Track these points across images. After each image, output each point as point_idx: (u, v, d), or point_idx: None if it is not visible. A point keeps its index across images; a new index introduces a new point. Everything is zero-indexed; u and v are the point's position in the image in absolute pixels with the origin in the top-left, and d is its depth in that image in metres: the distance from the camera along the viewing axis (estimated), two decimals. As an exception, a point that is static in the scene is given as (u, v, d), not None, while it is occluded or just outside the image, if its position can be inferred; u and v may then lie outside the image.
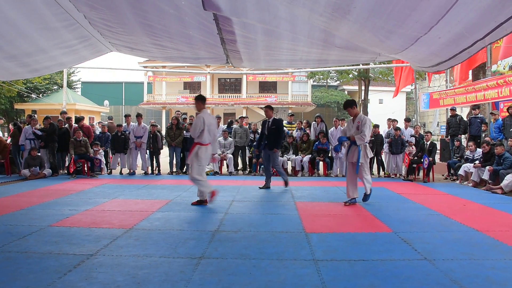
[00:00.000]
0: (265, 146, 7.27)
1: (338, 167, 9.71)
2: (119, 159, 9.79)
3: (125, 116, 10.36)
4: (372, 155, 5.87)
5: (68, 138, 9.27)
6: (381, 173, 9.94)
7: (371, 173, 9.67)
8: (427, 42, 3.73)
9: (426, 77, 15.47)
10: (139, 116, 9.86)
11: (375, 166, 9.91)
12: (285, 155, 9.70)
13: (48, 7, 4.49)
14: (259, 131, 8.47)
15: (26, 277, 2.82)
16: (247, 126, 10.22)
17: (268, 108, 7.38)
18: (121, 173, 9.78)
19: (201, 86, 33.78)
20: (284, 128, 10.69)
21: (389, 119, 10.44)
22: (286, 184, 7.33)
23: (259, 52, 5.92)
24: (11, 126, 10.75)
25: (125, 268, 3.03)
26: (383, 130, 10.35)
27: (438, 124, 22.45)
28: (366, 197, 5.76)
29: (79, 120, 9.97)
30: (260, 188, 7.25)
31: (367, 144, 5.67)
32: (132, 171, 9.63)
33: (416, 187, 7.90)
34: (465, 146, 9.45)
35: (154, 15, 4.59)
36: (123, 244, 3.67)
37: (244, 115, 10.67)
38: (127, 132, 9.76)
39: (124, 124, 10.17)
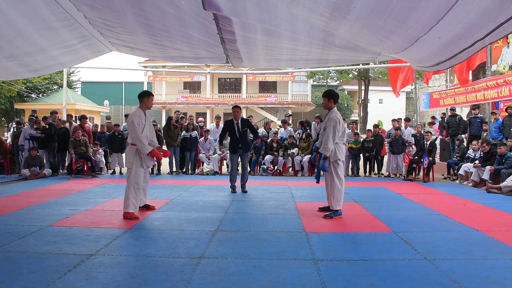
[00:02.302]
0: (238, 149, 6.77)
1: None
2: (117, 158, 9.78)
3: (125, 116, 10.35)
4: (343, 158, 4.89)
5: (68, 138, 9.27)
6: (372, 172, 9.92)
7: (373, 173, 9.69)
8: (427, 42, 3.73)
9: (424, 76, 15.38)
10: None
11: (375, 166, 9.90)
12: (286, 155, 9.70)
13: (48, 6, 4.49)
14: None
15: (26, 277, 2.82)
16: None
17: (238, 109, 6.86)
18: (120, 172, 9.78)
19: (201, 86, 33.79)
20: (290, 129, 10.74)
21: (393, 120, 10.45)
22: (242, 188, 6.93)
23: (259, 51, 5.92)
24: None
25: (125, 268, 3.03)
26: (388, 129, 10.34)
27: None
28: (330, 212, 4.91)
29: (82, 118, 9.94)
30: (232, 192, 6.80)
31: (339, 145, 4.85)
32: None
33: (416, 187, 7.90)
34: (465, 145, 9.44)
35: (154, 15, 4.59)
36: (123, 244, 3.68)
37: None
38: (126, 132, 9.77)
39: (124, 124, 10.16)
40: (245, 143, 6.80)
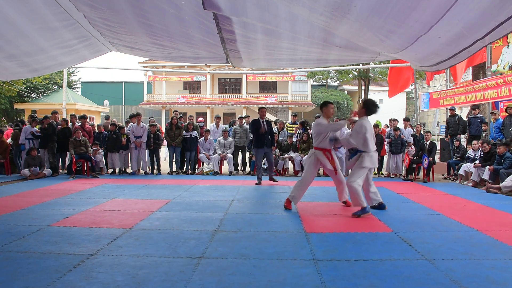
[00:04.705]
0: (263, 145, 7.89)
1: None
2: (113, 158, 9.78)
3: (130, 116, 10.29)
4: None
5: (69, 138, 9.26)
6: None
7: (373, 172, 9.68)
8: (427, 42, 3.73)
9: (425, 77, 15.34)
10: (137, 115, 9.81)
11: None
12: (286, 155, 9.69)
13: (47, 6, 4.49)
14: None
15: (26, 277, 2.82)
16: (248, 126, 10.16)
17: (264, 109, 8.16)
18: (119, 172, 9.76)
19: (201, 86, 33.80)
20: (286, 128, 10.72)
21: (390, 119, 10.43)
22: (273, 180, 8.19)
23: (259, 51, 5.91)
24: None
25: (125, 268, 3.02)
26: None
27: (438, 124, 22.46)
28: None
29: (82, 118, 9.92)
30: (256, 184, 7.79)
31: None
32: (132, 171, 9.62)
33: (416, 187, 7.90)
34: (465, 146, 9.44)
35: (154, 14, 4.59)
36: (123, 244, 3.67)
37: (244, 115, 10.70)
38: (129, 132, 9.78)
39: (131, 124, 10.08)
40: (268, 139, 7.94)
